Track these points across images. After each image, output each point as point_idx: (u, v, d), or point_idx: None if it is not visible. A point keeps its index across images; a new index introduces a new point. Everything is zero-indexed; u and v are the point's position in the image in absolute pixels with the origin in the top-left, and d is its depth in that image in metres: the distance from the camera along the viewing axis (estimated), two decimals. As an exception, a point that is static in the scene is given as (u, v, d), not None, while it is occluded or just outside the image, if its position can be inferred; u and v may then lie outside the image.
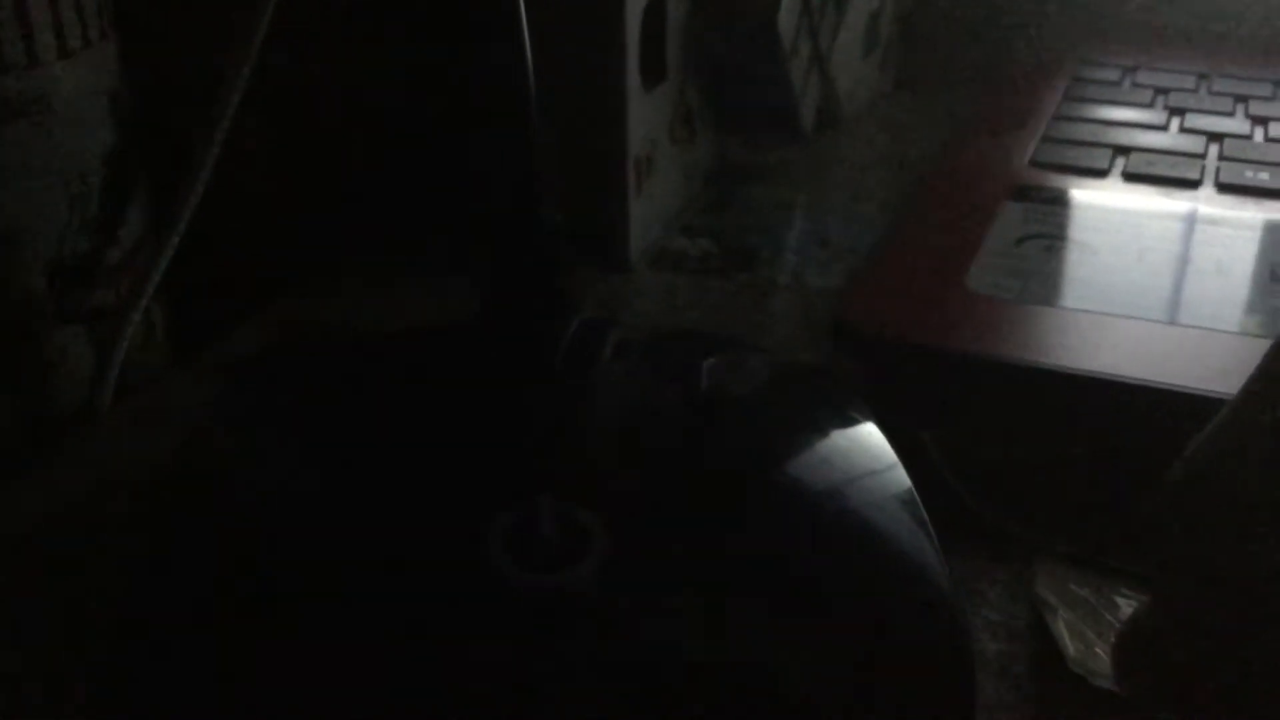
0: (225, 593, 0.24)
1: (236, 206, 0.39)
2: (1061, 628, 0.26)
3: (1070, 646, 0.26)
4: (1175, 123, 0.52)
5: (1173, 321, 0.35)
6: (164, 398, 0.37)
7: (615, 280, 0.44)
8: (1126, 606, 0.28)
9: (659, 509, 0.26)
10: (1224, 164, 0.47)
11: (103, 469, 0.34)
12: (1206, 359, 0.33)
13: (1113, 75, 0.59)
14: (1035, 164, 0.47)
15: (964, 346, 0.34)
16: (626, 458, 0.28)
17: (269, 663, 0.22)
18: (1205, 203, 0.44)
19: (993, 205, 0.43)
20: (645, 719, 0.21)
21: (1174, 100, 0.55)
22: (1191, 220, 0.43)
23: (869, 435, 0.29)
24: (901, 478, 0.28)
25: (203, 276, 0.39)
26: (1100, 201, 0.45)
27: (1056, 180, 0.46)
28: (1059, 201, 0.44)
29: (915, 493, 0.27)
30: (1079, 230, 0.42)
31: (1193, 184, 0.46)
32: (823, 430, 0.30)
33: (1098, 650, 0.26)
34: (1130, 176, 0.46)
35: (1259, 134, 0.51)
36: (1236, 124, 0.52)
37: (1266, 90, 0.56)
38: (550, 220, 0.33)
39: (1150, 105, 0.54)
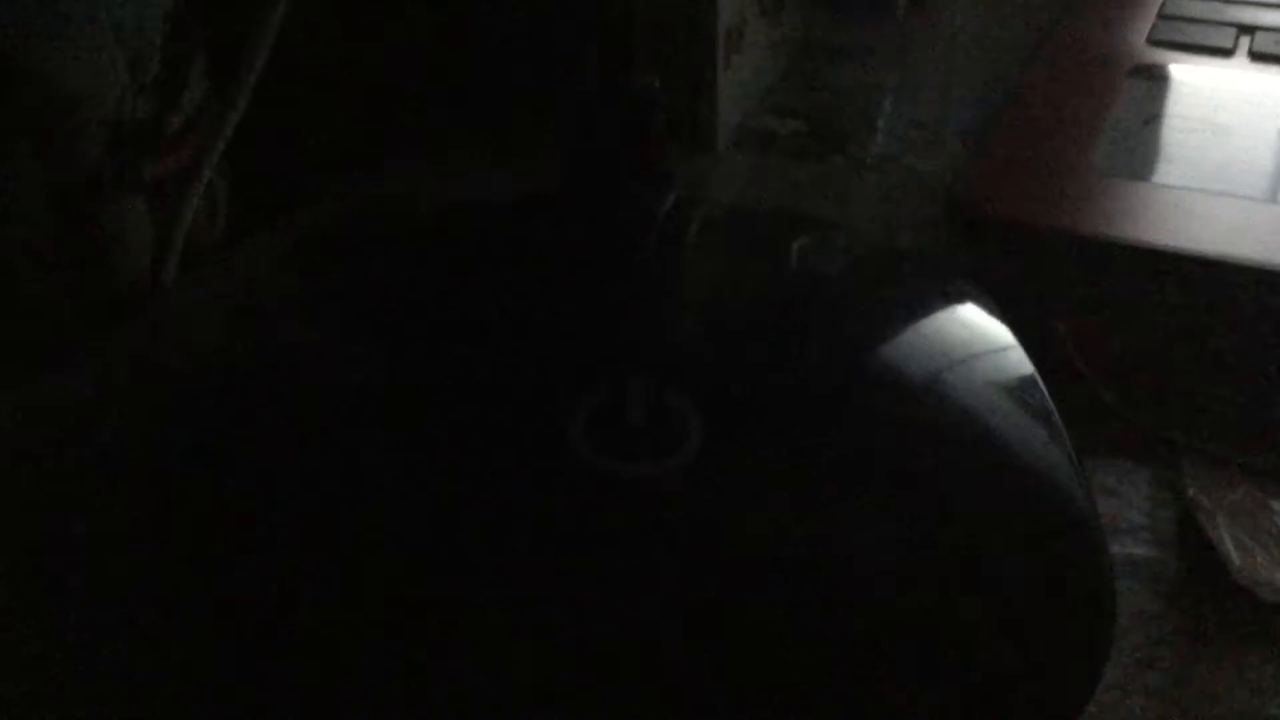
0: (296, 476, 0.22)
1: (303, 72, 0.37)
2: (1224, 534, 0.24)
3: (1234, 556, 0.23)
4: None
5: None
6: (228, 276, 0.34)
7: (700, 161, 0.41)
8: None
9: (758, 399, 0.24)
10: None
11: (163, 350, 0.32)
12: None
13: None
14: (1154, 42, 0.44)
15: (1096, 230, 0.31)
16: (722, 341, 0.26)
17: (337, 545, 0.21)
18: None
19: (1112, 84, 0.40)
20: (740, 635, 0.19)
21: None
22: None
23: (985, 320, 0.27)
24: (1023, 363, 0.25)
25: (266, 148, 0.37)
26: (1228, 81, 0.41)
27: (1179, 59, 0.42)
28: (1185, 81, 0.41)
29: (1040, 381, 0.24)
30: (1209, 111, 0.38)
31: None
32: (937, 314, 0.27)
33: (1258, 559, 0.24)
34: (1258, 56, 0.43)
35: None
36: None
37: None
38: (645, 86, 0.30)
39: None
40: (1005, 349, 0.25)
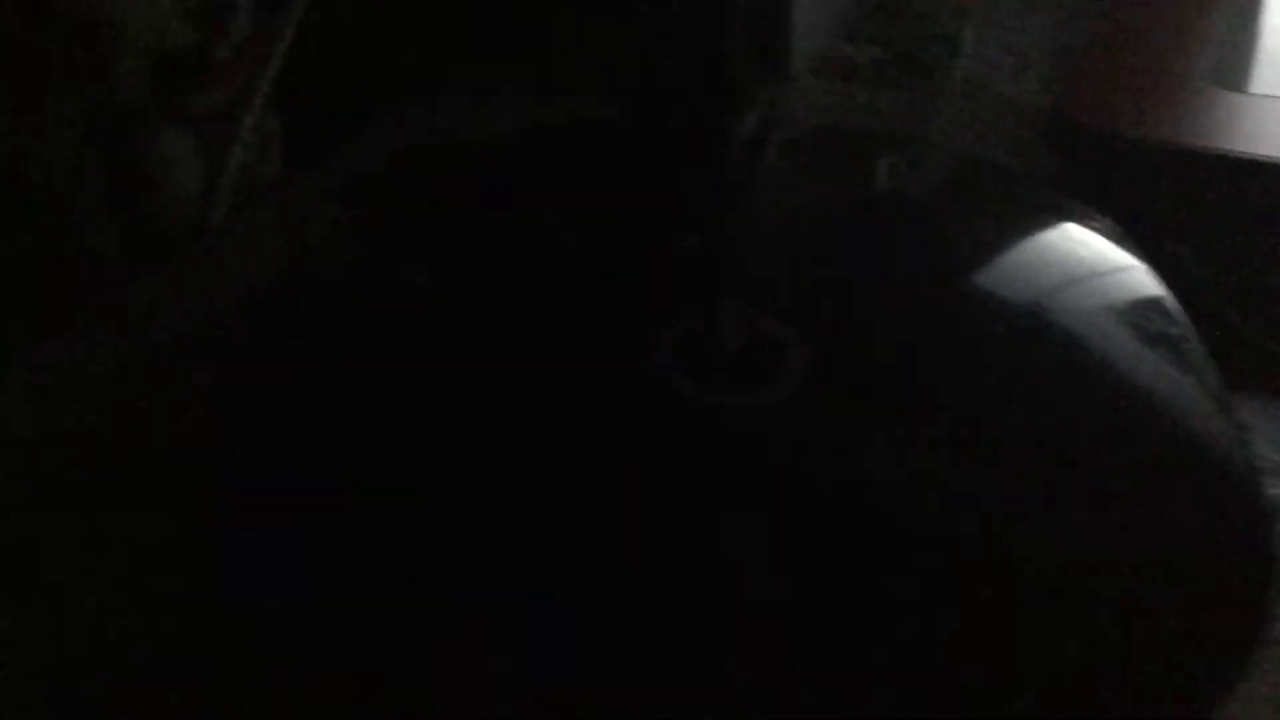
0: (363, 417, 0.20)
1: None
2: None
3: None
4: None
5: None
6: (283, 211, 0.33)
7: (776, 90, 0.39)
8: None
9: (859, 324, 0.21)
10: None
11: (213, 289, 0.30)
12: None
13: None
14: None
15: (1217, 143, 0.28)
16: (821, 267, 0.23)
17: (411, 489, 0.19)
18: None
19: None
20: (857, 591, 0.17)
21: None
22: None
23: (1104, 242, 0.24)
24: (1152, 286, 0.23)
25: (318, 78, 0.35)
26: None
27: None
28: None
29: (1178, 305, 0.22)
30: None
31: None
32: (1052, 237, 0.25)
33: None
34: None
35: None
36: None
37: None
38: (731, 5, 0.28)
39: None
40: (1131, 270, 0.23)
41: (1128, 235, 0.24)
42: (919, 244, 0.24)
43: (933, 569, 0.17)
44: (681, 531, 0.18)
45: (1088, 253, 0.23)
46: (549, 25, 0.36)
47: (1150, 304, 0.22)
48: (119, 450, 0.25)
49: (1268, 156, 0.28)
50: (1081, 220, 0.24)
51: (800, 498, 0.18)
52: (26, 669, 0.17)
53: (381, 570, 0.17)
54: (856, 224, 0.25)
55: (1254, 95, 0.31)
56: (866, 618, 0.17)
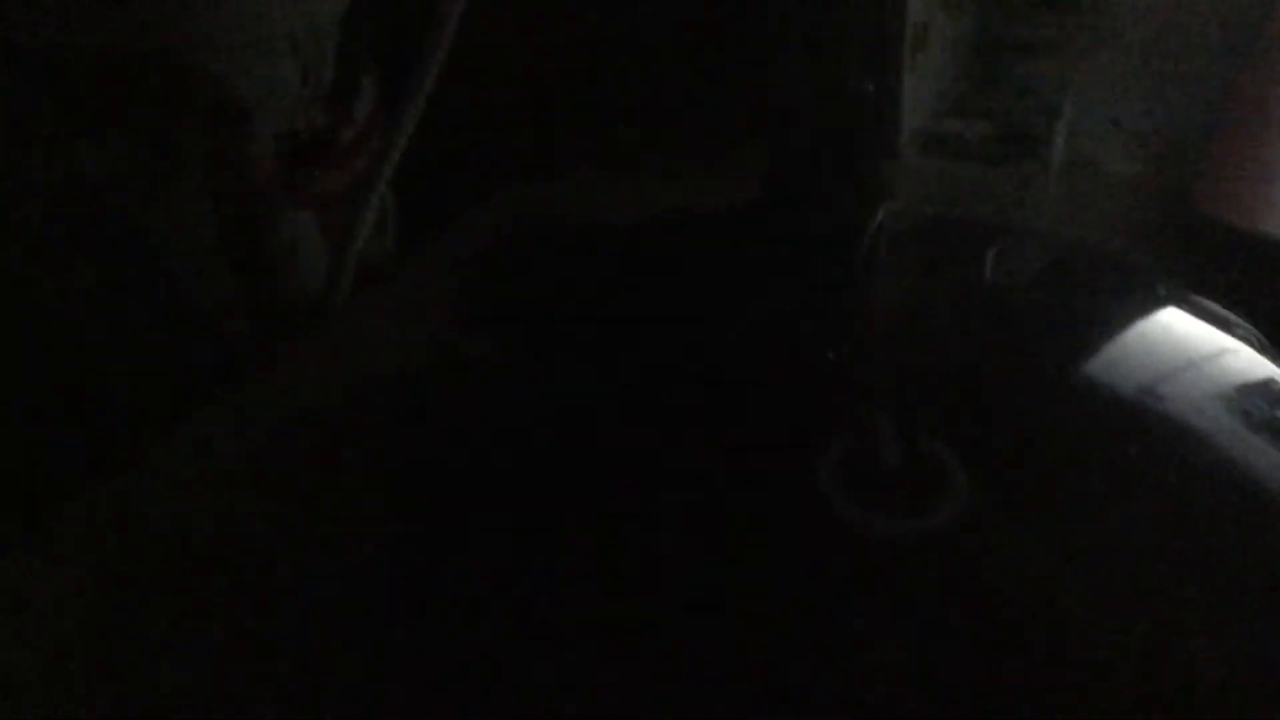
0: (495, 504, 0.20)
1: (473, 78, 0.35)
2: None
3: None
4: None
5: None
6: (406, 292, 0.33)
7: (887, 169, 0.38)
8: None
9: (1024, 437, 0.21)
10: None
11: (343, 372, 0.30)
12: None
13: None
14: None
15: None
16: (953, 371, 0.23)
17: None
18: None
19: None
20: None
21: None
22: None
23: (1250, 351, 0.24)
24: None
25: (433, 159, 0.35)
26: None
27: None
28: None
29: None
30: None
31: None
32: (1203, 342, 0.24)
33: None
34: None
35: None
36: None
37: None
38: (858, 88, 0.28)
39: None
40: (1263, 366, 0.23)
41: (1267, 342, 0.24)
42: (1060, 348, 0.24)
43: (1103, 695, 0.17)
44: (849, 660, 0.17)
45: (1232, 360, 0.23)
46: (672, 107, 0.37)
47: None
48: (248, 542, 0.25)
49: None
50: (1229, 327, 0.24)
51: (969, 632, 0.18)
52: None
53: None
54: (986, 322, 0.25)
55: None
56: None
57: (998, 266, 0.27)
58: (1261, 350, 0.24)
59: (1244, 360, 0.23)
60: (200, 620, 0.22)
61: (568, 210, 0.36)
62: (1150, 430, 0.22)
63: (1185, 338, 0.24)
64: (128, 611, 0.22)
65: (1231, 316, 0.25)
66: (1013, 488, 0.20)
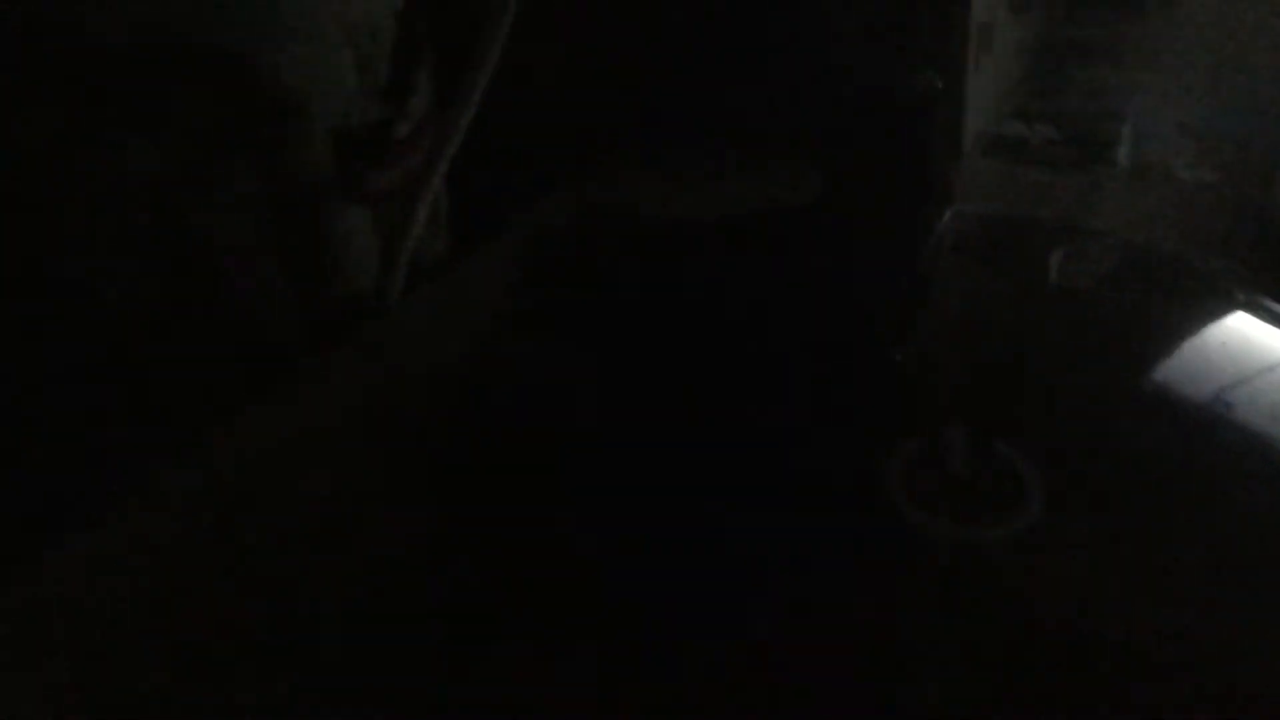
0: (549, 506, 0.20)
1: (529, 78, 0.35)
2: None
3: None
4: None
5: None
6: (458, 289, 0.32)
7: (952, 170, 0.38)
8: None
9: (1096, 446, 0.20)
10: None
11: (396, 367, 0.30)
12: None
13: None
14: None
15: None
16: (1037, 378, 0.22)
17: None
18: None
19: None
20: None
21: None
22: None
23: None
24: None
25: (486, 157, 0.35)
26: None
27: None
28: None
29: None
30: None
31: None
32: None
33: None
34: None
35: None
36: None
37: None
38: (926, 83, 0.27)
39: None
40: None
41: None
42: (1126, 349, 0.23)
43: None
44: (914, 672, 0.17)
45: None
46: (735, 103, 0.36)
47: None
48: (295, 531, 0.24)
49: None
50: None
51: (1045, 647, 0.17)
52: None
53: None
54: (1056, 324, 0.24)
55: None
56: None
57: (1066, 267, 0.27)
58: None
59: None
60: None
61: (631, 208, 0.35)
62: (1224, 438, 0.21)
63: (1262, 343, 0.23)
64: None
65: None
66: (1086, 499, 0.19)
